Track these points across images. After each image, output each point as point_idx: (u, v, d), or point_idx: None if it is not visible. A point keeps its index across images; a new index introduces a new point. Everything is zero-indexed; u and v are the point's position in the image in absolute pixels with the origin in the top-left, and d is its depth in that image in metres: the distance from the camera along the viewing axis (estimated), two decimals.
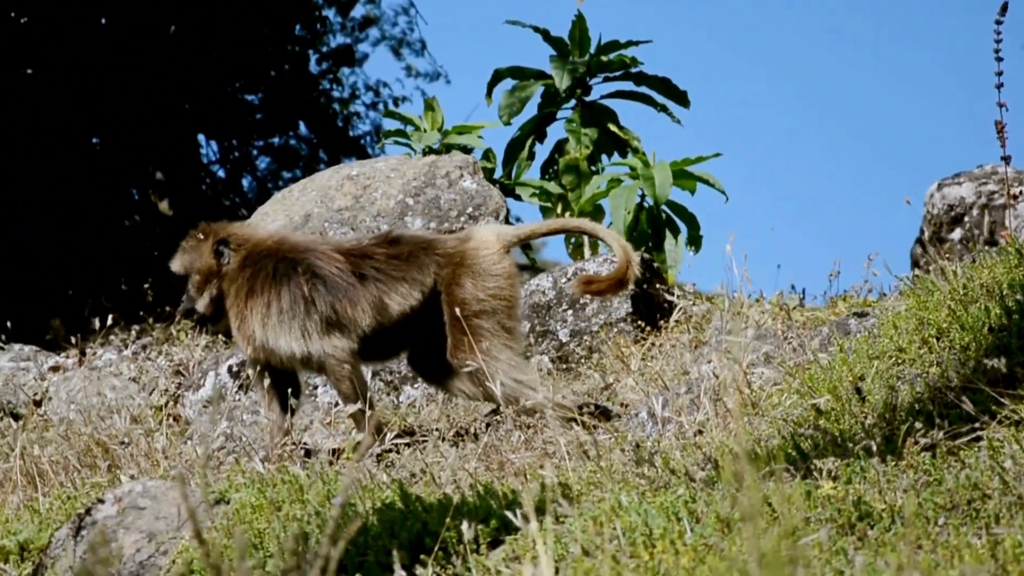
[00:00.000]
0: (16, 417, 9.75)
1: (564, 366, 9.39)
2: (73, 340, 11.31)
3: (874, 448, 5.40)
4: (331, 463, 6.98)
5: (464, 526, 4.93)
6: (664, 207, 11.43)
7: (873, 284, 9.25)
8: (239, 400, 9.11)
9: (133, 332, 11.52)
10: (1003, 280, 6.71)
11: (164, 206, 20.26)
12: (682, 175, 11.53)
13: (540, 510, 5.04)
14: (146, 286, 13.58)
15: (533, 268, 11.99)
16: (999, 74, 7.62)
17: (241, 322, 7.67)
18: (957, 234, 10.60)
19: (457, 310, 7.58)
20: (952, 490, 4.99)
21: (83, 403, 9.53)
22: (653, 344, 9.20)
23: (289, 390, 7.75)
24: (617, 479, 5.91)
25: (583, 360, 9.37)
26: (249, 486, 6.21)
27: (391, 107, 22.09)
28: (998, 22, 7.59)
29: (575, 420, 7.21)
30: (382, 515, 5.43)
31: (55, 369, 10.86)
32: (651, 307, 9.69)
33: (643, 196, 11.48)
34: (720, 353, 7.20)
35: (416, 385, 9.26)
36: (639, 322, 9.47)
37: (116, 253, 19.08)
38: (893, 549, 4.62)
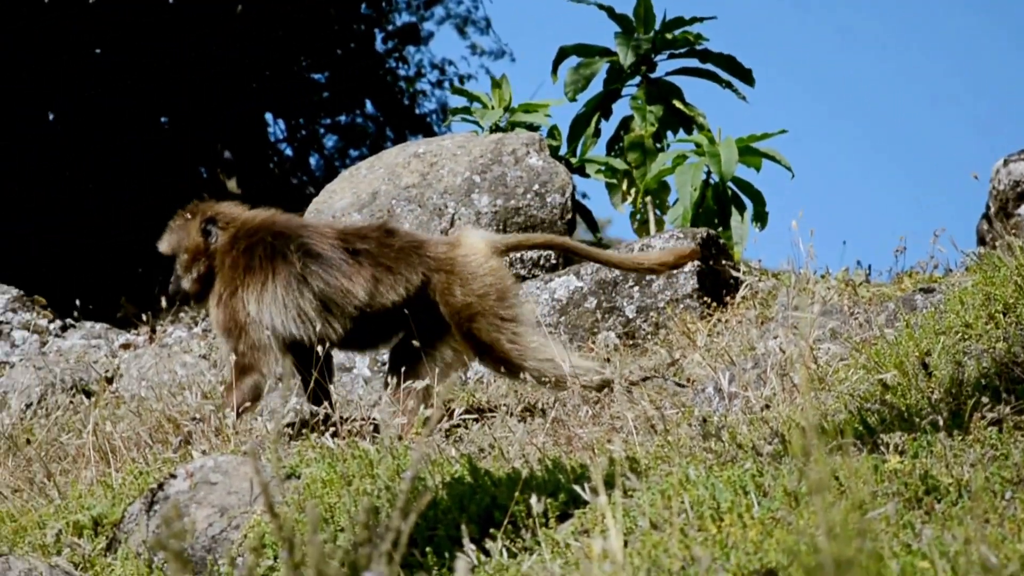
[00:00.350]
0: (88, 394, 9.87)
1: (631, 342, 9.41)
2: (144, 318, 11.43)
3: (941, 423, 5.40)
4: (400, 438, 7.04)
5: (533, 500, 4.97)
6: (730, 184, 11.42)
7: (939, 260, 9.21)
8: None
9: (202, 311, 11.62)
10: None
11: (232, 184, 20.39)
12: (748, 152, 11.50)
13: (608, 484, 5.06)
14: None
15: (600, 244, 12.00)
16: None
17: (231, 297, 7.77)
18: (1023, 210, 10.52)
19: (456, 319, 7.74)
20: (1019, 464, 4.99)
21: (154, 380, 9.63)
22: (719, 320, 9.21)
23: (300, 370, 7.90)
24: (685, 453, 5.94)
25: (649, 336, 9.39)
26: (319, 461, 6.27)
27: (456, 85, 22.13)
28: None
29: (608, 384, 7.41)
30: (451, 489, 5.47)
31: (126, 347, 10.98)
32: (717, 283, 9.70)
33: (709, 173, 11.47)
34: (787, 329, 7.21)
35: None
36: (705, 298, 9.48)
37: None
38: (960, 523, 4.63)
